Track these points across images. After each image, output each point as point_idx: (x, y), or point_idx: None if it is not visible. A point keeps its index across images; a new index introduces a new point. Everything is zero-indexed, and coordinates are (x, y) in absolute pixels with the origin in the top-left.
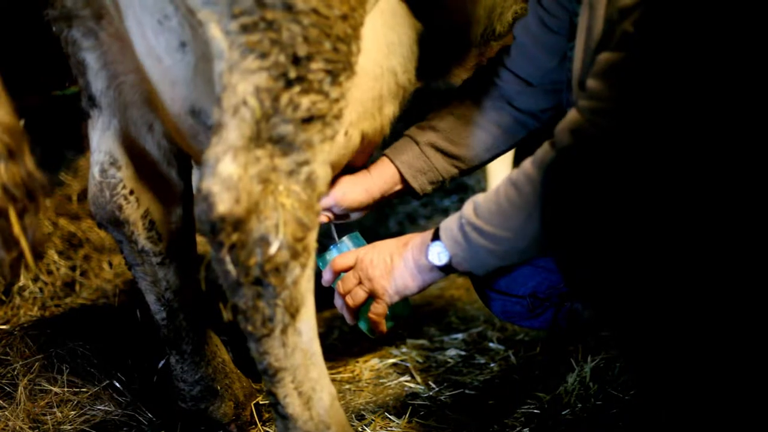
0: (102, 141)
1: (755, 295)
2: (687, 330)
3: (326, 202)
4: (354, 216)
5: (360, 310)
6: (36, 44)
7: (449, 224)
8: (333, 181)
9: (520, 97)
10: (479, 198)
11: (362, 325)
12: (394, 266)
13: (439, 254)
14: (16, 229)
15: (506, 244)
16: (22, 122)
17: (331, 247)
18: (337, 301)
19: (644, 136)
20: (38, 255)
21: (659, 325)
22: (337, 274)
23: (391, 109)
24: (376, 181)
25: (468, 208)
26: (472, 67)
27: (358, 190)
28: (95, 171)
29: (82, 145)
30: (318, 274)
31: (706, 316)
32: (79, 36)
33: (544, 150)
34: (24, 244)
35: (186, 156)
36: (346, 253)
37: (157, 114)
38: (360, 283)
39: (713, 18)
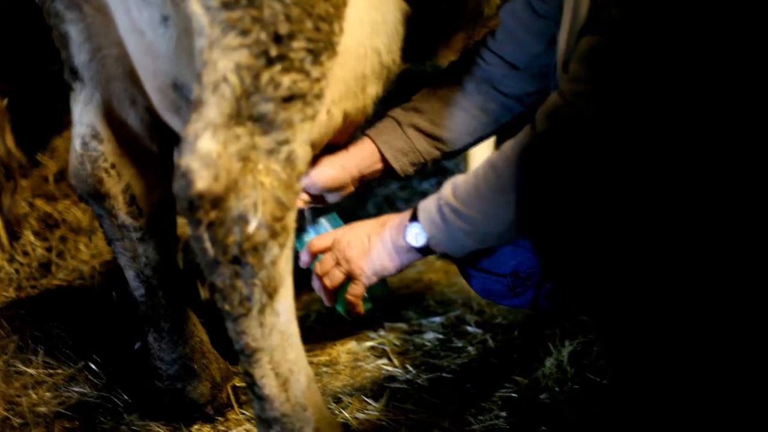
0: (84, 114)
1: (729, 284)
2: (661, 312)
3: (302, 181)
4: (331, 198)
5: (338, 292)
6: (16, 35)
7: (427, 205)
8: (312, 163)
9: (506, 81)
10: (458, 179)
11: (339, 308)
12: (372, 247)
13: (416, 235)
14: None
15: (483, 227)
16: (4, 102)
17: (309, 228)
18: (315, 283)
19: (624, 121)
20: (13, 234)
21: (633, 308)
22: (314, 256)
23: (374, 89)
24: (353, 156)
25: (447, 189)
26: (459, 49)
27: (335, 165)
28: (76, 144)
29: (59, 126)
30: (296, 256)
31: (679, 299)
32: (62, 8)
33: (524, 133)
34: None
35: (168, 131)
36: (323, 234)
37: (139, 88)
38: (337, 264)
39: (699, 5)
